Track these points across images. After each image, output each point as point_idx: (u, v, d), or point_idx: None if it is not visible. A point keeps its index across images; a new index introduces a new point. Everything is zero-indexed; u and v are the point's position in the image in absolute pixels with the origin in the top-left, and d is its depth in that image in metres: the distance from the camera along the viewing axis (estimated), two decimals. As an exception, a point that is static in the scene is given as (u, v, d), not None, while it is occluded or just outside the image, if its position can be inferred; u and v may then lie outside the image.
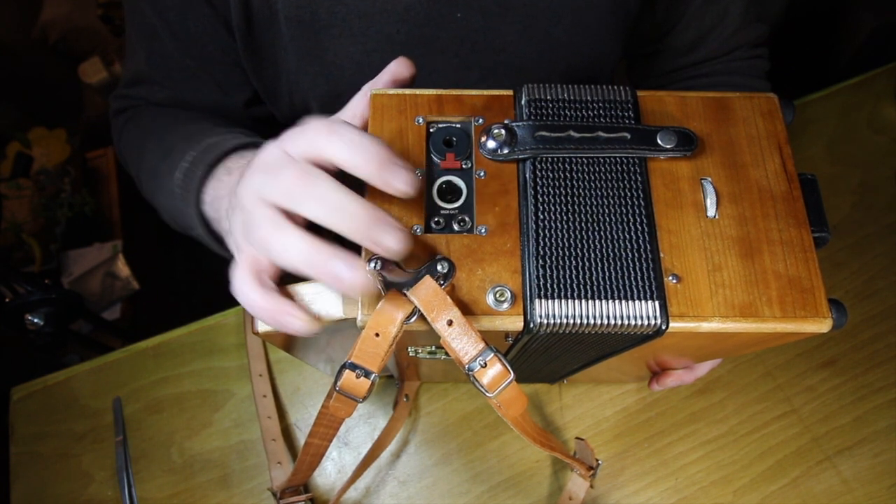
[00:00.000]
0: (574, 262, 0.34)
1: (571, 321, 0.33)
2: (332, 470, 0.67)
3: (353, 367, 0.33)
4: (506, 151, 0.37)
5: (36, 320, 0.87)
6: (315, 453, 0.50)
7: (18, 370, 0.84)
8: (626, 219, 0.36)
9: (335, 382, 0.34)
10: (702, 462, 0.66)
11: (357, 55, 0.55)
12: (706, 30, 0.61)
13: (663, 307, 0.34)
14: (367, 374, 0.34)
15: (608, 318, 0.33)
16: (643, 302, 0.34)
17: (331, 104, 0.60)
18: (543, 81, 0.58)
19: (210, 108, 0.63)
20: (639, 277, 0.34)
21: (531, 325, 0.33)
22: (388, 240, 0.29)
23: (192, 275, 1.83)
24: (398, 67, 0.38)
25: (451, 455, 0.67)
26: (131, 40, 0.62)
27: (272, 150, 0.32)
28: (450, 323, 0.32)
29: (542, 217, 0.35)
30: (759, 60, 0.65)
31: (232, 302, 0.77)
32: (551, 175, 0.36)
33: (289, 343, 0.46)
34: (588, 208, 0.36)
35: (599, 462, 0.60)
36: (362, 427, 0.69)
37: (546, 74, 0.59)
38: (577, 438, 0.60)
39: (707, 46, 0.63)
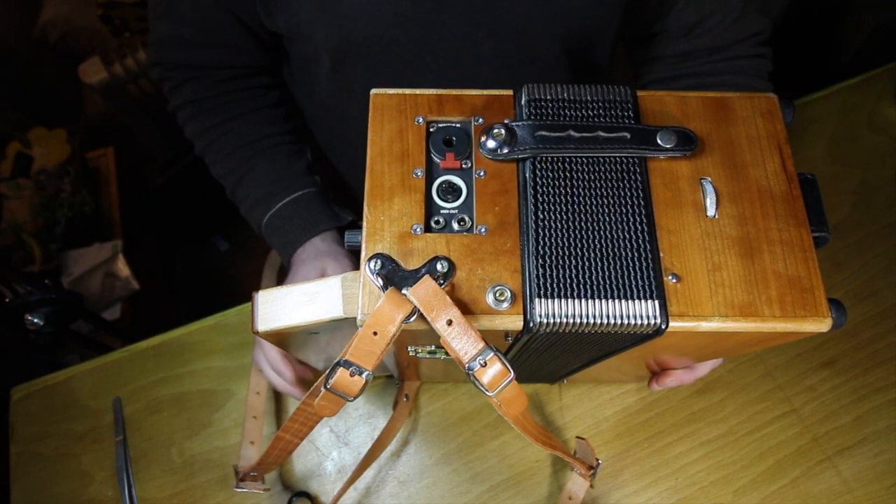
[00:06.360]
0: (574, 261, 0.34)
1: (571, 320, 0.33)
2: (332, 470, 0.67)
3: (348, 364, 0.33)
4: (506, 151, 0.37)
5: (36, 320, 0.87)
6: (284, 448, 0.50)
7: (18, 370, 0.84)
8: (625, 218, 0.36)
9: (326, 380, 0.34)
10: (702, 462, 0.66)
11: (369, 7, 0.56)
12: (706, 13, 0.61)
13: (663, 306, 0.34)
14: (361, 372, 0.34)
15: (608, 317, 0.33)
16: (643, 301, 0.34)
17: (341, 56, 0.61)
18: (544, 43, 0.60)
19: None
20: (638, 277, 0.34)
21: (531, 325, 0.33)
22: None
23: (192, 275, 1.83)
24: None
25: (451, 455, 0.67)
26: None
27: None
28: (449, 322, 0.32)
29: (541, 216, 0.35)
30: (762, 60, 0.65)
31: (232, 302, 0.77)
32: (551, 175, 0.36)
33: (287, 343, 0.46)
34: (588, 208, 0.36)
35: (599, 461, 0.60)
36: (362, 427, 0.69)
37: (546, 37, 0.60)
38: (578, 437, 0.60)
39: (707, 34, 0.63)
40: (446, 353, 0.41)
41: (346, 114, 0.71)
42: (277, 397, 0.71)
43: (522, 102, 0.39)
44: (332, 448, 0.68)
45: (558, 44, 0.61)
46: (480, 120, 0.39)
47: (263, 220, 0.66)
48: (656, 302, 0.34)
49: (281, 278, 0.68)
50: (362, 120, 0.74)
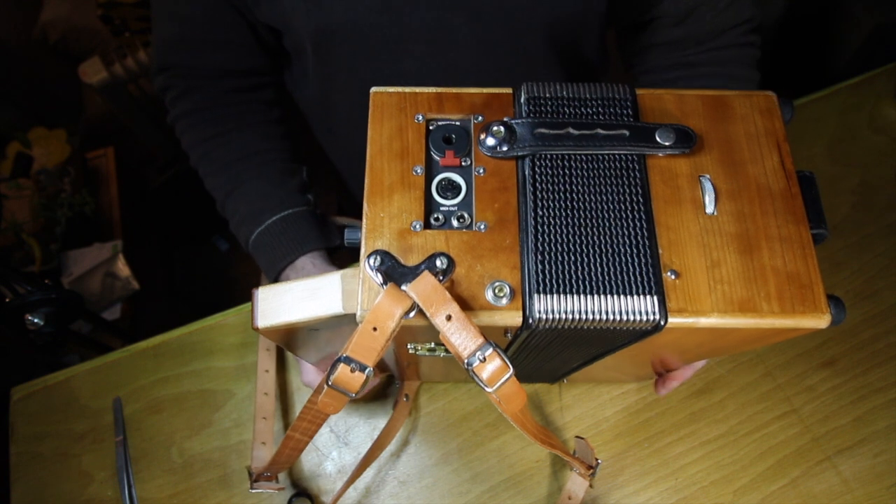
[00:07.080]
0: (573, 257, 0.34)
1: (570, 316, 0.33)
2: (332, 470, 0.67)
3: (349, 360, 0.33)
4: (505, 149, 0.37)
5: (36, 320, 0.86)
6: (295, 447, 0.50)
7: (18, 370, 0.84)
8: (624, 215, 0.36)
9: (328, 377, 0.34)
10: (702, 462, 0.66)
11: None
12: (701, 0, 0.62)
13: (662, 302, 0.34)
14: (361, 368, 0.34)
15: (607, 313, 0.33)
16: (642, 297, 0.34)
17: (323, 43, 0.61)
18: (527, 32, 0.59)
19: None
20: (637, 273, 0.34)
21: (530, 321, 0.34)
22: None
23: (192, 275, 1.83)
24: None
25: (451, 455, 0.67)
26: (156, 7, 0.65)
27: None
28: (448, 318, 0.32)
29: (540, 213, 0.35)
30: (751, 49, 0.65)
31: (232, 302, 0.77)
32: (550, 172, 0.37)
33: (288, 340, 0.46)
34: (587, 205, 0.36)
35: (599, 461, 0.60)
36: (362, 427, 0.69)
37: (529, 25, 0.59)
38: (577, 437, 0.60)
39: (700, 19, 0.63)
40: (446, 351, 0.41)
41: (332, 105, 0.71)
42: (284, 398, 0.71)
43: (522, 100, 0.39)
44: (332, 448, 0.68)
45: (542, 33, 0.60)
46: (480, 118, 0.39)
47: (252, 236, 0.65)
48: (655, 298, 0.34)
49: (280, 278, 0.68)
50: (347, 110, 0.73)
